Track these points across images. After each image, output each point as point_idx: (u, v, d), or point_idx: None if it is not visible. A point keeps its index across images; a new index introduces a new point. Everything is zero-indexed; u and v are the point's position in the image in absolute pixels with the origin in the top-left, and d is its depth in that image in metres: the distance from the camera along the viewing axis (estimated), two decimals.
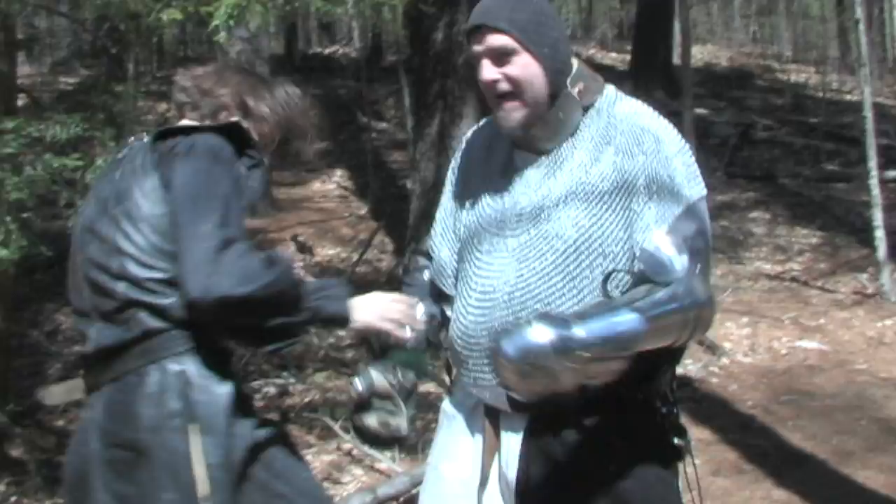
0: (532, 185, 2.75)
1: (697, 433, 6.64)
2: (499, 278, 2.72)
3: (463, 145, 3.06)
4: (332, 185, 14.75)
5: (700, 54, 23.93)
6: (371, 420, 2.87)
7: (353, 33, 20.67)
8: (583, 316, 2.45)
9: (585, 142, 2.73)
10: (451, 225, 2.98)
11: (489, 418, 2.85)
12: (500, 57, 2.68)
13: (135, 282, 2.76)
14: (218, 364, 2.82)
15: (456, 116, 10.14)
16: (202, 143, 2.83)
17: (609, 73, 21.57)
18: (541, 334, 2.36)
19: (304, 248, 9.81)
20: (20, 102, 7.95)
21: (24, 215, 5.64)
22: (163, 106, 12.52)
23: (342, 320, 2.85)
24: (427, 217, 10.34)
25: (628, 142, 2.69)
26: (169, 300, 2.74)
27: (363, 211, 13.21)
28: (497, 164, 2.86)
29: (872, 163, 10.09)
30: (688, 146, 2.79)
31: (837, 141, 16.30)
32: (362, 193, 13.95)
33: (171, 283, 2.72)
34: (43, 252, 5.68)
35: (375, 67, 19.43)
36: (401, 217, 11.39)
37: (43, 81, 13.15)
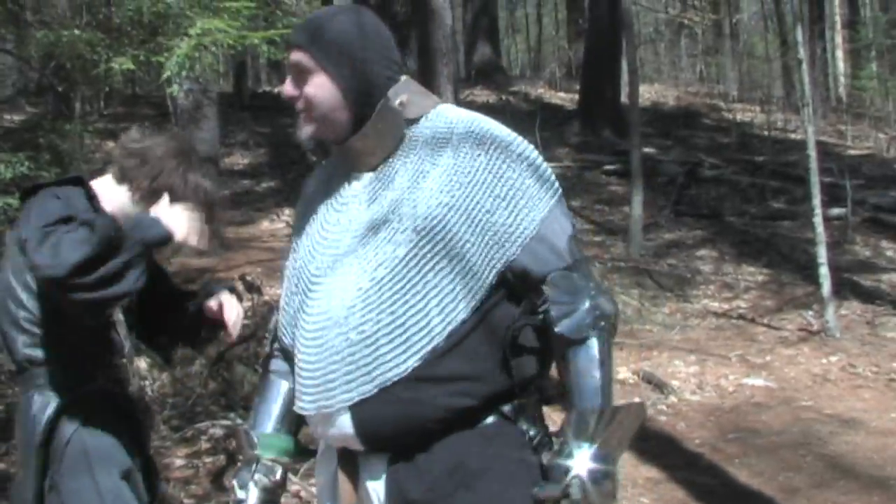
0: (365, 200, 2.66)
1: (645, 471, 6.66)
2: (336, 297, 2.60)
3: (302, 196, 2.98)
4: (280, 223, 14.69)
5: (647, 93, 24.15)
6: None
7: None
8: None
9: (417, 148, 2.65)
10: (292, 286, 2.85)
11: (345, 467, 2.72)
12: (299, 74, 2.66)
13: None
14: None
15: None
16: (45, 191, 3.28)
17: (557, 112, 21.82)
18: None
19: (252, 288, 9.69)
20: None
21: None
22: (109, 144, 12.45)
23: (166, 239, 3.14)
24: None
25: (468, 142, 2.60)
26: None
27: None
28: (334, 193, 2.78)
29: (816, 200, 10.21)
30: (533, 149, 2.67)
31: (783, 179, 16.49)
32: None
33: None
34: None
35: None
36: None
37: None
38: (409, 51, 10.19)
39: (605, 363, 2.55)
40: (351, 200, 2.70)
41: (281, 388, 2.93)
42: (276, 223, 14.71)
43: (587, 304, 2.55)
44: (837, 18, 29.96)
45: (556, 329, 2.53)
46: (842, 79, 27.98)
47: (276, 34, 5.67)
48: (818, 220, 10.16)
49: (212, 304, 3.57)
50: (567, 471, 2.46)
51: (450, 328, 2.50)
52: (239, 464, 2.98)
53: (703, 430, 7.55)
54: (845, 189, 13.81)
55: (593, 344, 2.55)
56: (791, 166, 16.76)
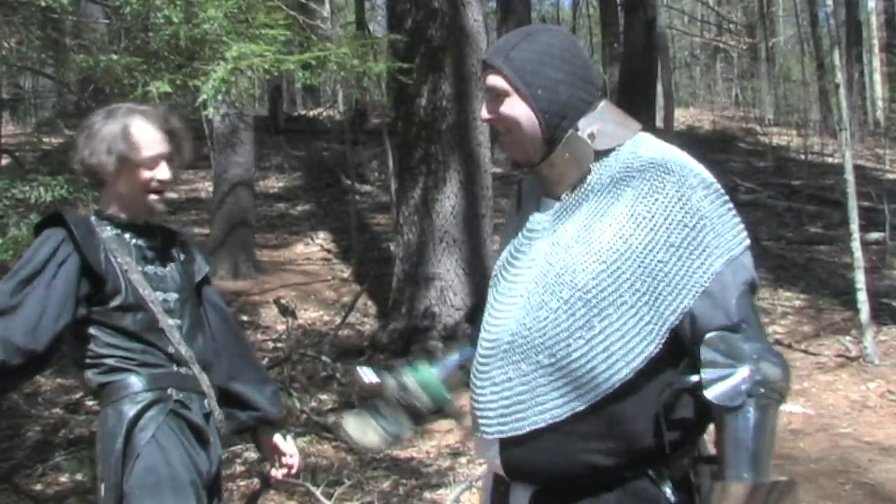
0: (547, 229, 2.62)
1: None
2: (503, 327, 2.58)
3: (513, 198, 2.95)
4: (315, 247, 14.73)
5: (683, 117, 24.12)
6: (351, 424, 2.95)
7: (337, 96, 20.78)
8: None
9: (601, 186, 2.57)
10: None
11: (498, 489, 2.71)
12: (495, 97, 2.61)
13: None
14: None
15: (439, 181, 10.18)
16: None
17: None
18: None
19: (286, 311, 9.77)
20: (3, 162, 7.94)
21: None
22: None
23: None
24: (411, 280, 10.37)
25: (648, 182, 2.50)
26: None
27: (346, 274, 13.18)
28: (528, 215, 2.73)
29: (854, 225, 10.12)
30: (723, 192, 2.57)
31: (820, 203, 16.40)
32: (345, 256, 13.94)
33: None
34: None
35: (360, 130, 19.50)
36: (384, 280, 11.38)
37: (27, 141, 13.15)
38: (444, 75, 10.18)
39: (762, 434, 2.43)
40: (538, 229, 2.66)
41: (461, 355, 2.97)
42: (310, 246, 14.75)
43: (746, 369, 2.43)
44: (875, 42, 29.82)
45: (708, 394, 2.42)
46: (879, 102, 27.81)
47: (312, 58, 5.69)
48: (856, 244, 10.08)
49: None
50: None
51: (612, 381, 2.43)
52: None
53: None
54: (883, 213, 13.70)
55: (750, 413, 2.42)
56: (828, 190, 16.67)
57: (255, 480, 6.88)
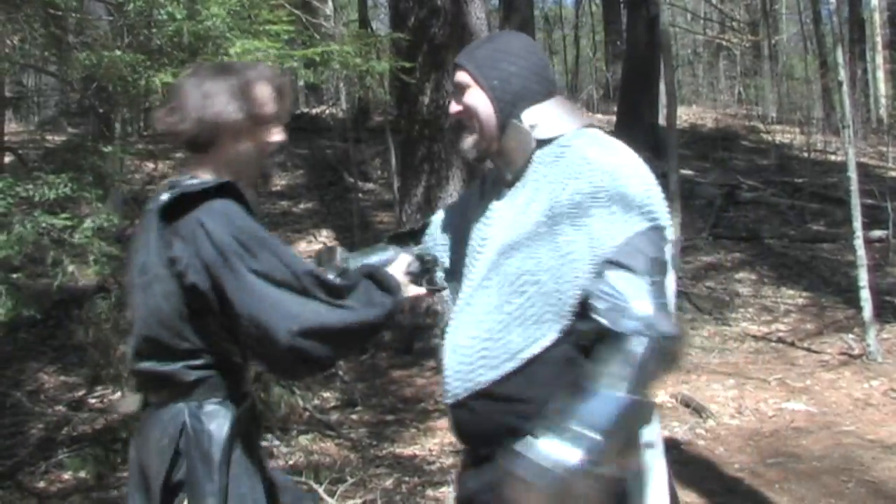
0: (494, 216, 2.92)
1: (684, 496, 6.60)
2: (460, 303, 2.91)
3: (481, 180, 3.21)
4: (318, 245, 14.72)
5: (685, 115, 24.10)
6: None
7: (340, 94, 20.77)
8: (575, 416, 2.51)
9: (536, 175, 2.82)
10: (449, 235, 3.23)
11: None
12: (461, 91, 2.91)
13: None
14: None
15: (442, 179, 10.18)
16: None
17: None
18: (559, 450, 2.47)
19: None
20: (7, 160, 7.94)
21: (14, 276, 5.63)
22: (149, 165, 12.53)
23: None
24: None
25: (567, 172, 2.74)
26: None
27: None
28: (488, 202, 2.99)
29: (857, 223, 10.12)
30: (647, 179, 2.76)
31: (822, 201, 16.39)
32: None
33: None
34: (28, 311, 5.65)
35: (362, 128, 19.48)
36: None
37: (30, 139, 13.17)
38: (446, 72, 10.18)
39: (639, 369, 2.53)
40: (489, 214, 2.94)
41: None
42: (313, 244, 14.74)
43: (640, 304, 2.58)
44: (878, 39, 29.77)
45: (597, 317, 2.61)
46: (883, 100, 27.77)
47: (315, 53, 5.70)
48: (859, 242, 10.08)
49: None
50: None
51: (528, 352, 2.70)
52: None
53: (743, 454, 7.48)
54: (886, 211, 13.69)
55: (631, 342, 2.55)
56: (831, 188, 16.67)
57: None
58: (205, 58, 5.47)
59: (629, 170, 2.73)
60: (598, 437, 2.46)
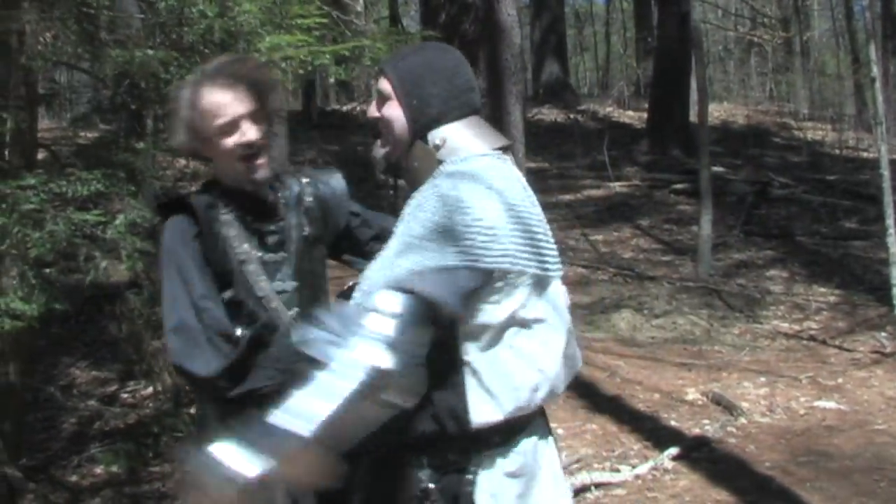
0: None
1: (715, 494, 6.59)
2: None
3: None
4: None
5: (717, 112, 24.00)
6: None
7: (371, 91, 20.79)
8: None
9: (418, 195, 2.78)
10: None
11: None
12: (381, 98, 2.88)
13: None
14: None
15: None
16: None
17: (626, 131, 21.75)
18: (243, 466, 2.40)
19: None
20: (40, 155, 8.00)
21: (46, 271, 5.67)
22: (181, 162, 12.57)
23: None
24: None
25: (423, 195, 2.72)
26: None
27: None
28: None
29: (890, 220, 10.07)
30: (469, 218, 2.61)
31: (855, 198, 16.30)
32: None
33: None
34: (61, 306, 5.68)
35: None
36: None
37: (62, 136, 13.22)
38: (478, 70, 10.18)
39: (335, 401, 2.44)
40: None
41: None
42: None
43: (350, 346, 2.50)
44: None
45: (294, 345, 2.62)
46: None
47: (346, 48, 5.71)
48: (891, 239, 10.03)
49: None
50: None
51: None
52: None
53: (774, 452, 7.45)
54: None
55: (327, 377, 2.48)
56: (863, 185, 16.57)
57: None
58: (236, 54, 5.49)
59: (466, 205, 2.62)
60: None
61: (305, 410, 2.43)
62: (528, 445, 2.79)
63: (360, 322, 2.51)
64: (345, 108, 24.57)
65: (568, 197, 17.10)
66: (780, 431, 7.90)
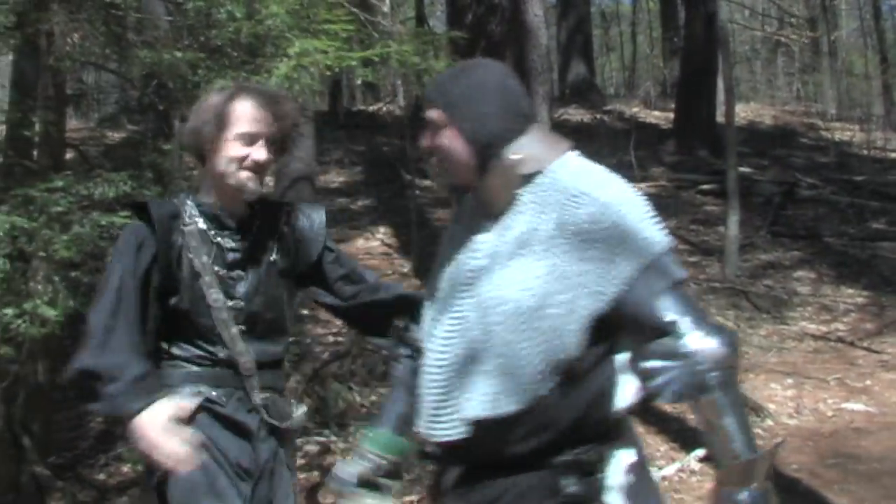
0: (479, 250, 2.84)
1: None
2: (452, 341, 2.81)
3: (456, 214, 3.16)
4: (375, 241, 14.77)
5: (744, 112, 23.91)
6: None
7: (397, 91, 20.83)
8: None
9: (526, 207, 2.78)
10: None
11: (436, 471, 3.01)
12: (433, 128, 2.89)
13: None
14: None
15: None
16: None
17: (652, 132, 21.68)
18: None
19: None
20: (67, 156, 8.03)
21: (73, 273, 5.69)
22: None
23: (126, 419, 3.24)
24: None
25: (564, 204, 2.71)
26: None
27: (406, 269, 13.20)
28: (472, 233, 2.92)
29: None
30: (638, 202, 2.75)
31: (883, 199, 16.21)
32: (406, 251, 13.95)
33: None
34: (87, 308, 5.70)
35: (419, 125, 19.48)
36: None
37: (90, 136, 13.28)
38: None
39: (733, 411, 2.65)
40: (479, 249, 2.84)
41: (398, 402, 3.16)
42: (370, 241, 14.79)
43: (689, 364, 2.63)
44: None
45: (663, 400, 2.67)
46: None
47: (374, 55, 5.71)
48: None
49: None
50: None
51: (545, 384, 2.66)
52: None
53: (801, 454, 7.43)
54: None
55: (713, 397, 2.64)
56: (891, 186, 16.50)
57: (315, 473, 6.93)
58: (264, 58, 5.51)
59: (623, 200, 2.72)
60: None
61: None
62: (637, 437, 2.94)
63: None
64: (371, 109, 24.58)
65: None
66: (807, 433, 7.87)
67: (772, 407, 8.35)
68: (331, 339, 10.35)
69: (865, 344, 10.40)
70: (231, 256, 3.45)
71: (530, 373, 2.65)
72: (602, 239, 2.65)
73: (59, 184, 5.51)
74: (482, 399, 2.70)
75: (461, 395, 2.74)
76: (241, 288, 3.45)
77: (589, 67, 27.09)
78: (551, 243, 2.69)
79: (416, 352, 3.03)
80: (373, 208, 16.34)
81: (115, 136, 9.90)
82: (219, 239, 3.43)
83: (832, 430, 7.92)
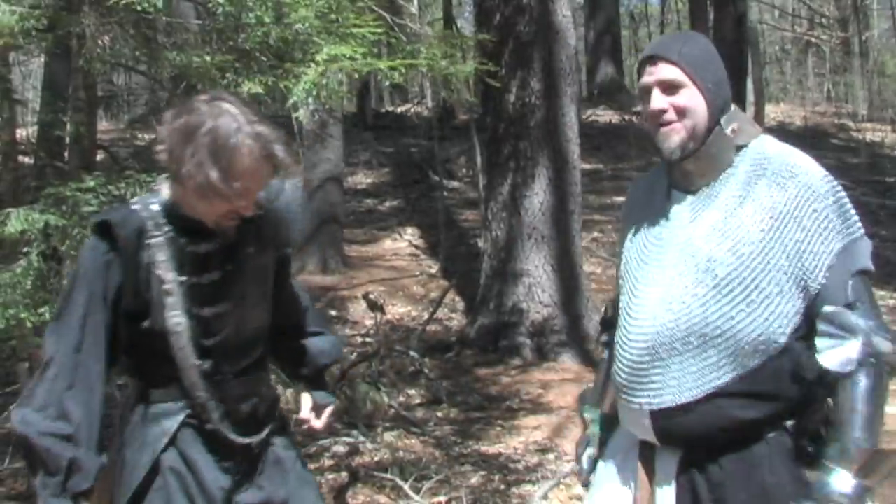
0: (686, 220, 2.90)
1: None
2: (661, 307, 2.84)
3: (627, 198, 3.25)
4: (403, 242, 14.81)
5: (774, 113, 23.83)
6: None
7: (425, 92, 20.86)
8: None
9: (738, 177, 2.86)
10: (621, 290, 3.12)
11: (643, 460, 2.98)
12: (670, 88, 2.84)
13: None
14: None
15: (528, 177, 10.17)
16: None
17: None
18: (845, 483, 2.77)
19: (375, 307, 9.85)
20: (98, 157, 8.08)
21: None
22: None
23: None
24: (499, 277, 10.38)
25: (780, 175, 2.81)
26: None
27: (434, 269, 13.22)
28: (656, 205, 3.00)
29: None
30: (838, 187, 2.87)
31: None
32: (433, 252, 13.98)
33: None
34: None
35: (447, 126, 19.54)
36: (472, 276, 11.39)
37: (120, 137, 13.37)
38: (533, 71, 10.16)
39: (873, 400, 2.79)
40: (676, 218, 2.93)
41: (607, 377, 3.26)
42: (398, 242, 14.83)
43: (858, 341, 2.71)
44: None
45: (822, 361, 2.70)
46: None
47: (402, 64, 5.71)
48: None
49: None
50: (828, 490, 2.76)
51: (771, 348, 2.75)
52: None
53: None
54: None
55: (861, 380, 2.74)
56: None
57: (344, 474, 6.93)
58: (292, 63, 5.51)
59: (833, 180, 2.86)
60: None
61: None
62: None
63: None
64: (399, 110, 24.63)
65: (622, 199, 17.01)
66: None
67: None
68: (358, 339, 10.38)
69: None
70: (205, 259, 3.09)
71: (745, 342, 2.73)
72: (819, 210, 2.76)
73: (91, 184, 5.53)
74: (697, 371, 2.78)
75: (697, 365, 2.79)
76: (223, 291, 3.13)
77: (617, 68, 27.06)
78: (770, 213, 2.77)
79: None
80: (400, 209, 16.37)
81: (144, 136, 9.95)
82: (190, 247, 3.06)
83: None
